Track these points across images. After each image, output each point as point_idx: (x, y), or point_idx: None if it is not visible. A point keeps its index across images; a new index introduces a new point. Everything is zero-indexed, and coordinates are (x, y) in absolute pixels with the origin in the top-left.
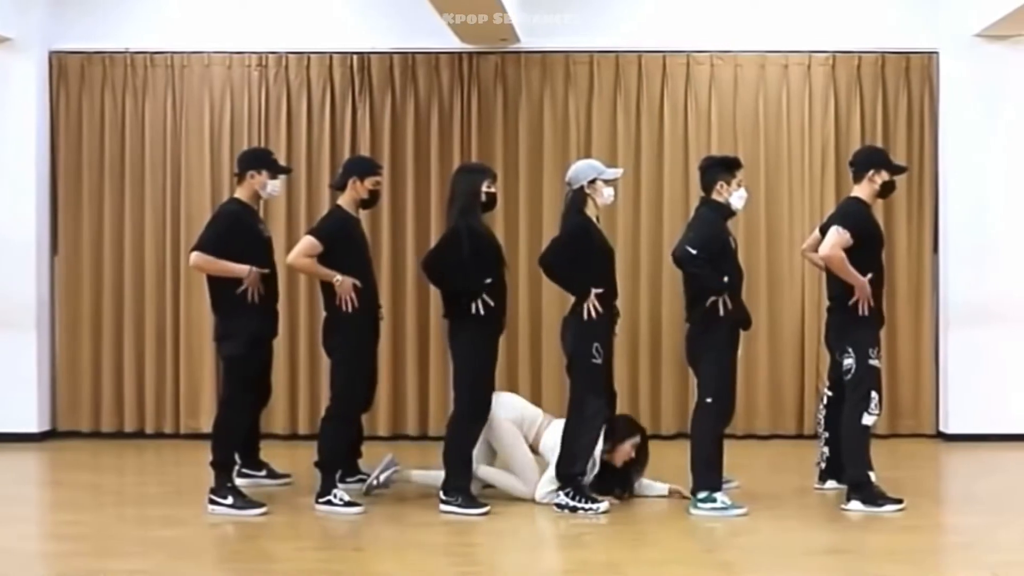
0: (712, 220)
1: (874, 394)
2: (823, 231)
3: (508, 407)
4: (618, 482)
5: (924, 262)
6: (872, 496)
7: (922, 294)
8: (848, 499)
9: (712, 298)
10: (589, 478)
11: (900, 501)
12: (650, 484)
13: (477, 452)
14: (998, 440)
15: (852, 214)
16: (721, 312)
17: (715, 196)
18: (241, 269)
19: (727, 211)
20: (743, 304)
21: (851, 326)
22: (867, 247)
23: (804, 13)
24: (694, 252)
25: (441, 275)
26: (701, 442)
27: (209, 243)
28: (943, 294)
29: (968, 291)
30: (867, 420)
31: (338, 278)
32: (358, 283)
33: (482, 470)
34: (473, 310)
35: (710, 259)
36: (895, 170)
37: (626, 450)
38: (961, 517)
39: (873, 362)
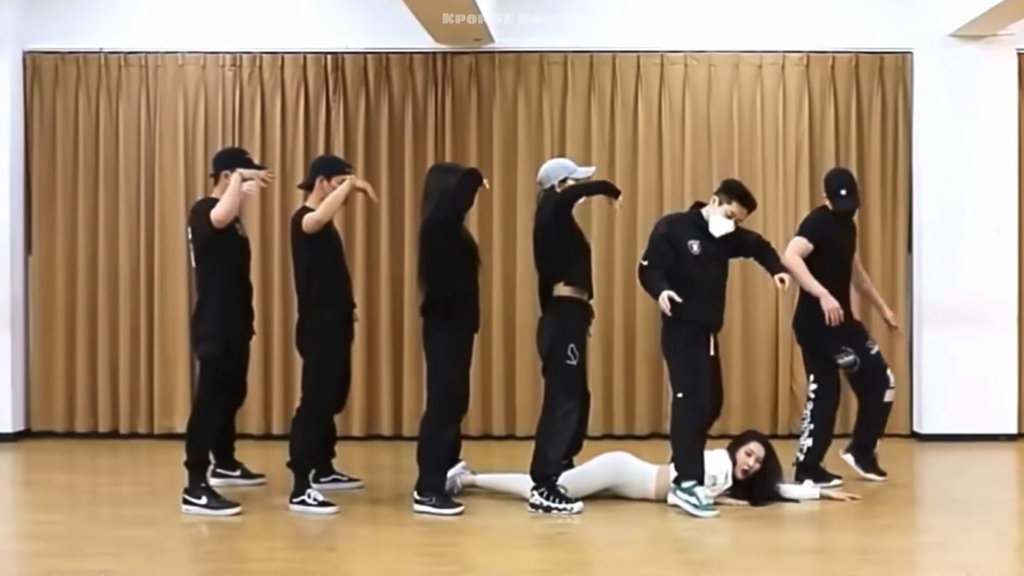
0: (677, 224)
1: (888, 372)
2: None
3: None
4: (745, 493)
5: (898, 262)
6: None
7: (896, 294)
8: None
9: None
10: (713, 491)
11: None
12: (795, 489)
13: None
14: (971, 440)
15: (811, 221)
16: (670, 315)
17: (706, 207)
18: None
19: (701, 221)
20: (711, 307)
21: (838, 329)
22: (824, 255)
23: (778, 13)
24: (645, 264)
25: (427, 274)
26: (678, 435)
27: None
28: (917, 294)
29: (942, 291)
30: (888, 396)
31: (344, 182)
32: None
33: (483, 478)
34: (447, 309)
35: (660, 267)
36: (837, 205)
37: (741, 458)
38: (934, 517)
39: (873, 351)
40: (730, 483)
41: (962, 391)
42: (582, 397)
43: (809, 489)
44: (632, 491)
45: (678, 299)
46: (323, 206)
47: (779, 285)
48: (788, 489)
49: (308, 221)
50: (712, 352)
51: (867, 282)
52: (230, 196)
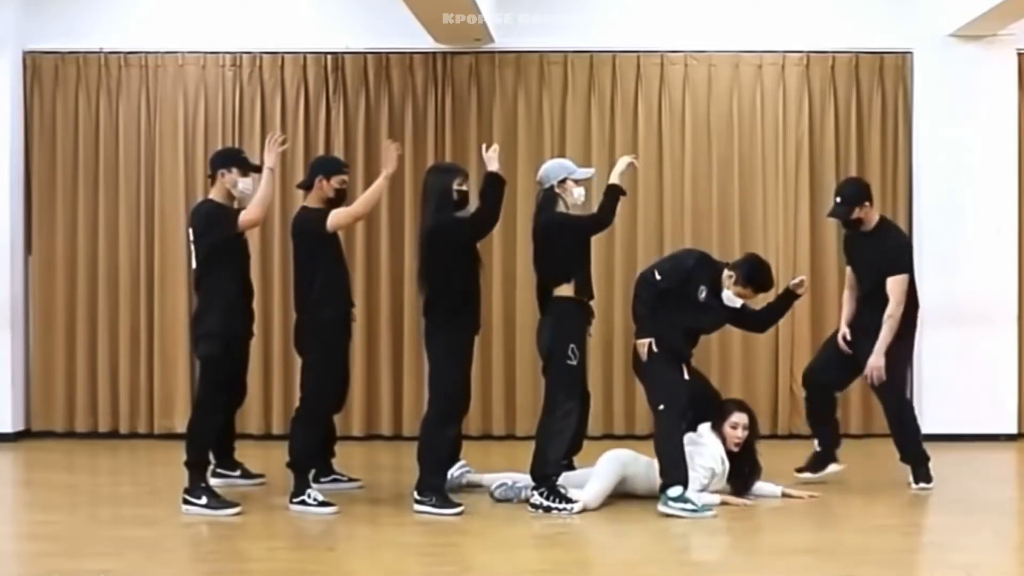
0: (702, 265)
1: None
2: None
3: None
4: (745, 470)
5: None
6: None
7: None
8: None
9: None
10: (717, 484)
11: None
12: (762, 485)
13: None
14: (971, 440)
15: None
16: (645, 359)
17: (725, 275)
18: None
19: (719, 282)
20: (686, 342)
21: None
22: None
23: (778, 13)
24: (659, 279)
25: (428, 275)
26: (663, 443)
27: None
28: (917, 294)
29: (942, 291)
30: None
31: (387, 172)
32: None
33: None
34: (449, 310)
35: (668, 288)
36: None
37: (728, 433)
38: (935, 517)
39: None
40: (728, 465)
41: (962, 391)
42: (582, 397)
43: (772, 487)
44: (640, 484)
45: (655, 350)
46: (362, 202)
47: (796, 283)
48: (759, 486)
49: (342, 216)
50: (686, 376)
51: None
52: (264, 196)
